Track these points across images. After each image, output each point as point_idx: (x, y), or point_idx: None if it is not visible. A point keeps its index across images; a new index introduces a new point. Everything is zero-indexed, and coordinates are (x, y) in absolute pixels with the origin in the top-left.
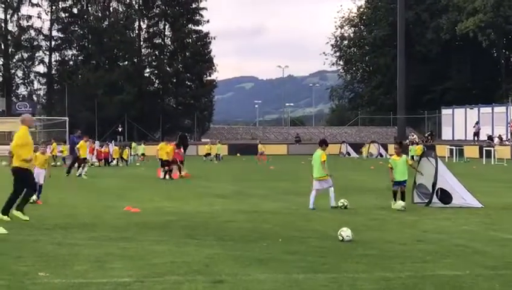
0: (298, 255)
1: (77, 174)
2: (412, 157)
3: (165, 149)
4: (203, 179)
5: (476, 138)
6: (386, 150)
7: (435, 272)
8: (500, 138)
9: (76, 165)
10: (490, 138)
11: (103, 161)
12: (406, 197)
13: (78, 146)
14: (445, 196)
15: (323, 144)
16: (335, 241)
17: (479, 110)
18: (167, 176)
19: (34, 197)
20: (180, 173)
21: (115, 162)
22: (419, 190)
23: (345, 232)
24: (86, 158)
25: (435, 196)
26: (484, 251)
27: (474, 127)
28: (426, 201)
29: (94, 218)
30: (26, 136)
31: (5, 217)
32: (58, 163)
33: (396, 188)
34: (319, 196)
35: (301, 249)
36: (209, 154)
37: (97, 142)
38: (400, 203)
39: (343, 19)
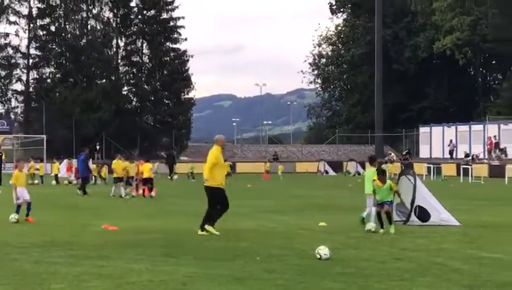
0: (276, 273)
1: (123, 195)
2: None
3: (120, 166)
4: (180, 197)
5: (451, 156)
6: (364, 168)
7: None
8: (476, 157)
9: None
10: (467, 155)
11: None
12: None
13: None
14: (423, 214)
15: (374, 160)
16: (313, 259)
17: (456, 129)
18: (142, 193)
19: (16, 216)
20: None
21: (92, 180)
22: (398, 209)
23: (323, 251)
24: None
25: (413, 213)
26: (461, 269)
27: (448, 145)
28: (404, 219)
29: (71, 236)
30: (219, 156)
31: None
32: (36, 181)
33: (379, 208)
34: (295, 213)
35: (279, 267)
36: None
37: (74, 160)
38: (370, 224)
39: (321, 37)
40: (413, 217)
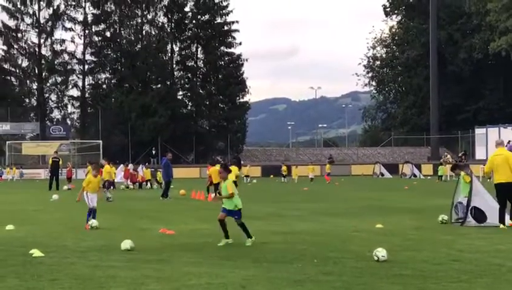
0: (333, 275)
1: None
2: (440, 177)
3: (106, 170)
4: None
5: None
6: (420, 170)
7: None
8: None
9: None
10: None
11: (137, 183)
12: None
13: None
14: (480, 215)
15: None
16: (370, 261)
17: None
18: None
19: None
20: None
21: (148, 185)
22: (459, 208)
23: (380, 253)
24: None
25: (470, 215)
26: None
27: (506, 146)
28: (461, 220)
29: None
30: None
31: None
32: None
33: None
34: (352, 215)
35: (336, 269)
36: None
37: (131, 165)
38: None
39: (375, 39)
40: (469, 218)
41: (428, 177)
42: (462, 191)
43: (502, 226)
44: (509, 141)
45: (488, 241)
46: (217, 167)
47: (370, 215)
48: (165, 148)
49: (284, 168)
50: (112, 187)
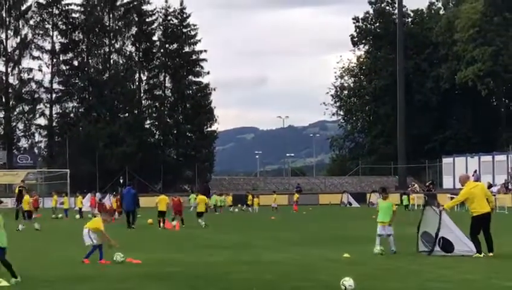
0: None
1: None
2: (406, 206)
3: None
4: (204, 230)
5: None
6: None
7: None
8: (505, 185)
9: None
10: (490, 186)
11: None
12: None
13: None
14: (447, 245)
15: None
16: None
17: (479, 159)
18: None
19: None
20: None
21: (116, 214)
22: (424, 238)
23: (348, 282)
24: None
25: (437, 245)
26: None
27: (473, 175)
28: (428, 250)
29: (95, 269)
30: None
31: None
32: (60, 215)
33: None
34: (319, 245)
35: None
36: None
37: (98, 194)
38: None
39: (343, 69)
40: (437, 248)
41: (396, 207)
42: (382, 215)
43: (478, 255)
44: (475, 171)
45: (455, 271)
46: (164, 196)
47: (337, 244)
48: (133, 177)
49: (249, 197)
50: (31, 218)
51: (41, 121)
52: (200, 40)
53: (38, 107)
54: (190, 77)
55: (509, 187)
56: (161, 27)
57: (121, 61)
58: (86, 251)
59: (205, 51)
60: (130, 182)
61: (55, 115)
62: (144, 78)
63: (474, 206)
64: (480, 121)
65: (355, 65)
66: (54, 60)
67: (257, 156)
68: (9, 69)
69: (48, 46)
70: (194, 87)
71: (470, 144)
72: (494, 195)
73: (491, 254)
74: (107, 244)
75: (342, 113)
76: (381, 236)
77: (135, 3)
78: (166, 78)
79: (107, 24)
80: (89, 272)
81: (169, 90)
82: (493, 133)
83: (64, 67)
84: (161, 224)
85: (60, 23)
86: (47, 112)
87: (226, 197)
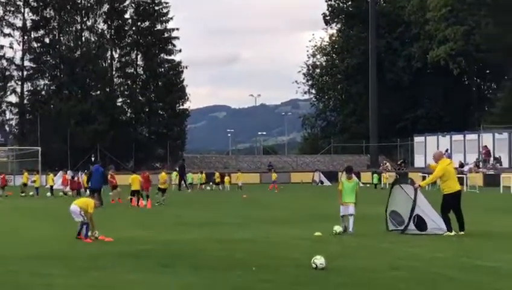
0: (272, 283)
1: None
2: (376, 185)
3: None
4: (176, 207)
5: None
6: (359, 178)
7: None
8: (476, 165)
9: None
10: (462, 165)
11: (76, 190)
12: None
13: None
14: (421, 223)
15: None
16: (309, 269)
17: (451, 138)
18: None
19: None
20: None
21: (87, 192)
22: (393, 217)
23: (319, 260)
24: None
25: (411, 222)
26: (457, 277)
27: (444, 154)
28: (401, 228)
29: (68, 247)
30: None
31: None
32: (31, 193)
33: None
34: (291, 223)
35: (275, 277)
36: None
37: (69, 172)
38: (336, 228)
39: (315, 47)
40: (411, 226)
41: (368, 185)
42: (347, 196)
43: (449, 233)
44: (447, 150)
45: (426, 249)
46: (136, 175)
47: (309, 222)
48: (105, 155)
49: (216, 175)
50: None
51: (12, 99)
52: (172, 18)
53: (9, 84)
54: (162, 55)
55: (480, 166)
56: (133, 5)
57: (92, 39)
58: (61, 227)
59: (177, 29)
60: (99, 161)
61: (26, 93)
62: (115, 56)
63: (447, 184)
64: (451, 100)
65: (327, 44)
66: (25, 37)
67: (229, 135)
68: None
69: (19, 23)
70: (166, 65)
71: (442, 123)
72: (466, 174)
73: (462, 232)
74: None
75: (314, 91)
76: (344, 216)
77: None
78: (138, 56)
79: (79, 1)
80: (60, 250)
81: (141, 68)
82: (465, 112)
83: (35, 45)
84: (134, 202)
85: (31, 0)
86: (18, 89)
87: (201, 175)
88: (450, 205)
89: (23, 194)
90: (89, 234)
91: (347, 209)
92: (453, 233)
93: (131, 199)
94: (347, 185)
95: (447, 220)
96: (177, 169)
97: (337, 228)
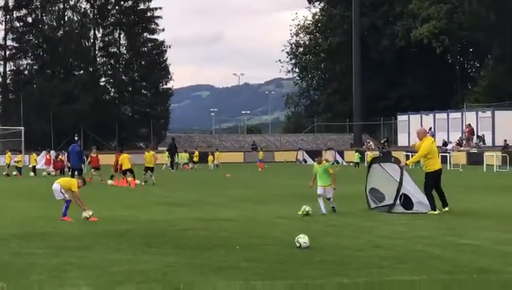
0: (256, 262)
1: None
2: (357, 164)
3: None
4: (159, 187)
5: None
6: (343, 157)
7: (392, 278)
8: (459, 143)
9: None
10: (445, 143)
11: (59, 170)
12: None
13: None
14: (407, 202)
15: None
16: (292, 248)
17: (434, 116)
18: None
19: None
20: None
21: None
22: (373, 194)
23: (302, 239)
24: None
25: (398, 201)
26: (441, 256)
27: (428, 133)
28: (380, 205)
29: (50, 227)
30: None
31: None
32: (14, 173)
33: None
34: (274, 202)
35: (259, 256)
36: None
37: (52, 152)
38: (304, 208)
39: (299, 26)
40: (397, 206)
41: (351, 164)
42: (321, 180)
43: (433, 212)
44: (430, 129)
45: (409, 228)
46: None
47: (292, 202)
48: (88, 135)
49: (195, 153)
50: None
51: None
52: None
53: None
54: (145, 34)
55: (464, 145)
56: None
57: (75, 18)
58: (44, 207)
59: (160, 8)
60: (76, 140)
61: (8, 72)
62: (98, 35)
63: (431, 162)
64: (435, 79)
65: (310, 22)
66: (8, 17)
67: (212, 114)
68: None
69: (1, 2)
70: (149, 45)
71: (425, 102)
72: (449, 153)
73: (446, 208)
74: (81, 208)
75: (297, 70)
76: (321, 196)
77: None
78: (121, 36)
79: None
80: (44, 229)
81: (125, 47)
82: (448, 90)
83: (18, 24)
84: (125, 182)
85: None
86: (1, 69)
87: (185, 153)
88: (433, 183)
89: (5, 173)
90: (86, 214)
91: (323, 189)
92: (436, 212)
93: (123, 178)
94: (317, 169)
95: (431, 198)
96: (168, 149)
97: (303, 209)
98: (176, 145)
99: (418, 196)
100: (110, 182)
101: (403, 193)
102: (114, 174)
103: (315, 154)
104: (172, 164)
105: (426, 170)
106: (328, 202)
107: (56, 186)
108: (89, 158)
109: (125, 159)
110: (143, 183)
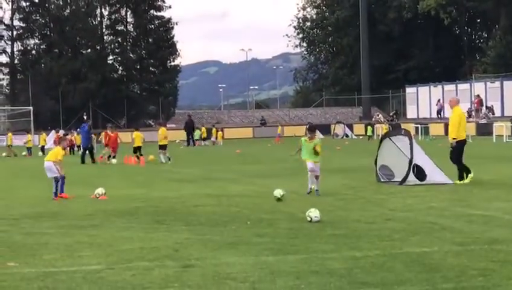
0: (267, 237)
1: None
2: (370, 137)
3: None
4: (167, 164)
5: (439, 116)
6: (352, 130)
7: (403, 250)
8: (468, 114)
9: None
10: None
11: (69, 149)
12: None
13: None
14: (419, 172)
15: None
16: (303, 222)
17: (443, 88)
18: None
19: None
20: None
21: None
22: (382, 172)
23: (313, 213)
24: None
25: (411, 173)
26: (452, 227)
27: (436, 104)
28: (393, 180)
29: (61, 206)
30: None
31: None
32: (24, 153)
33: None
34: (285, 177)
35: (270, 231)
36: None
37: (61, 131)
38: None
39: (305, 0)
40: (411, 176)
41: (361, 137)
42: (310, 155)
43: (464, 181)
44: (439, 100)
45: (420, 200)
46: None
47: (302, 176)
48: (97, 113)
49: (202, 129)
50: None
51: (3, 59)
52: None
53: None
54: (152, 11)
55: (473, 115)
56: None
57: None
58: (49, 186)
59: None
60: (86, 119)
61: (16, 52)
62: (105, 13)
63: (460, 131)
64: (443, 50)
65: None
66: None
67: (221, 90)
68: None
69: None
70: (156, 22)
71: (433, 74)
72: None
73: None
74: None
75: (305, 44)
76: (312, 171)
77: None
78: (128, 13)
79: None
80: (54, 209)
81: (131, 25)
82: (456, 62)
83: (24, 4)
84: (135, 160)
85: None
86: (8, 49)
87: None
88: (462, 151)
89: (4, 155)
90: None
91: (312, 165)
92: (468, 180)
93: (136, 156)
94: (306, 145)
95: (462, 166)
96: (185, 126)
97: (278, 193)
98: (193, 121)
99: (430, 166)
100: (114, 161)
101: (415, 164)
102: (107, 151)
103: (324, 128)
104: (189, 140)
105: (458, 139)
106: (315, 183)
107: (47, 163)
108: (104, 136)
109: (138, 138)
110: (169, 162)
